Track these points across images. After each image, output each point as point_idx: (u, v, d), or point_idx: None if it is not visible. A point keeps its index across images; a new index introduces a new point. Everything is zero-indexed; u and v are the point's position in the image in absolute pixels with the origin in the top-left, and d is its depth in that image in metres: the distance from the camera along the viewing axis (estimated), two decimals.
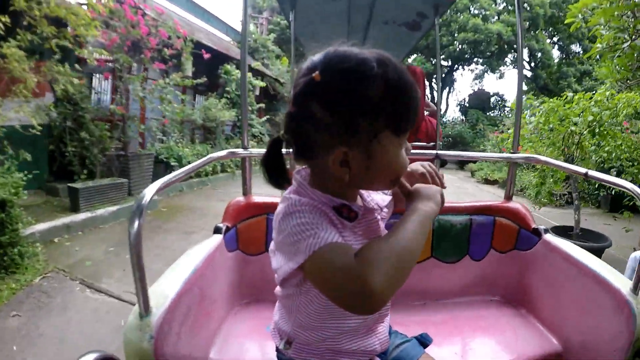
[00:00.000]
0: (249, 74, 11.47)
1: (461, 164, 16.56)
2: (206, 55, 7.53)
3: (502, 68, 22.68)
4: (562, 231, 4.53)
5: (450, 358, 1.48)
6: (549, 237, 1.76)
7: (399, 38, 4.57)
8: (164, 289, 1.19)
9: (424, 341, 1.23)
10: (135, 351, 1.05)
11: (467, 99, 24.59)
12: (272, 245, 0.94)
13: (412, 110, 0.85)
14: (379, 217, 1.02)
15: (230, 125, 11.73)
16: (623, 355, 1.25)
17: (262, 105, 12.78)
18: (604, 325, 1.36)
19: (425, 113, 3.96)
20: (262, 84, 12.04)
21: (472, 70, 24.40)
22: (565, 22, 4.04)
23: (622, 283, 1.33)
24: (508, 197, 2.08)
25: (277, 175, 0.91)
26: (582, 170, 1.64)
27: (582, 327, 1.47)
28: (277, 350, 1.08)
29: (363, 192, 1.02)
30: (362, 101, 0.80)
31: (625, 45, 3.20)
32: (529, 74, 22.04)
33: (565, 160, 4.33)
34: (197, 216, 5.95)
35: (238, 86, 10.90)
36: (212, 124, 10.07)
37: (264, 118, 12.57)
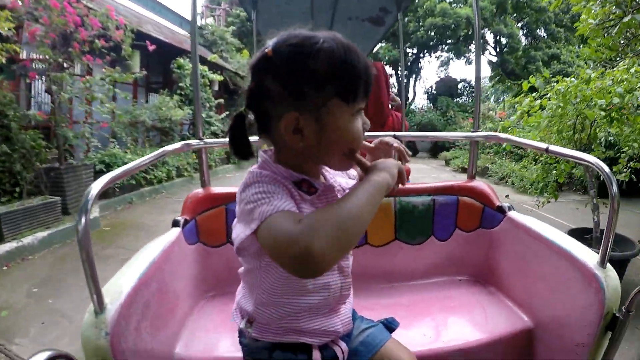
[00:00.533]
0: (205, 68, 11.11)
1: (433, 153, 16.46)
2: (151, 47, 7.02)
3: (469, 54, 22.90)
4: (579, 235, 3.75)
5: (419, 340, 1.52)
6: (514, 214, 1.82)
7: (363, 33, 4.71)
8: (119, 285, 1.20)
9: (390, 325, 1.27)
10: (92, 349, 1.07)
11: (434, 87, 24.57)
12: (235, 220, 0.97)
13: (362, 80, 0.91)
14: (339, 196, 1.05)
15: (188, 124, 11.33)
16: (594, 329, 1.30)
17: (221, 100, 12.45)
18: (573, 300, 1.40)
19: (391, 107, 4.00)
20: (220, 77, 11.68)
21: (437, 57, 24.68)
22: (543, 1, 3.97)
23: (589, 257, 1.38)
24: (471, 176, 2.14)
25: (241, 148, 0.99)
26: (543, 145, 1.69)
27: (552, 302, 1.53)
28: (239, 332, 1.12)
29: (326, 172, 1.09)
30: (309, 71, 0.88)
31: (625, 19, 3.14)
32: (494, 59, 22.36)
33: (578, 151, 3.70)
34: (145, 235, 5.03)
35: (190, 80, 10.49)
36: (165, 124, 9.47)
37: (224, 114, 12.21)
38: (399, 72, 21.74)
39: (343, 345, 1.13)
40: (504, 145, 10.26)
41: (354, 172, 1.21)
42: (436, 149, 16.20)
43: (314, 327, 1.05)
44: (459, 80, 24.61)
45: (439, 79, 24.80)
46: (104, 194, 5.95)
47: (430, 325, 1.62)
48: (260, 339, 1.06)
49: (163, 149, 1.71)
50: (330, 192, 1.03)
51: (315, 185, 0.99)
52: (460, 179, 2.14)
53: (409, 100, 23.11)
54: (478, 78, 2.23)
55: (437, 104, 21.62)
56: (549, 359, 1.52)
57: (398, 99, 4.16)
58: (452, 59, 24.05)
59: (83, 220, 1.05)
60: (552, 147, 1.64)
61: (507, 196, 7.95)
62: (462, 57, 23.30)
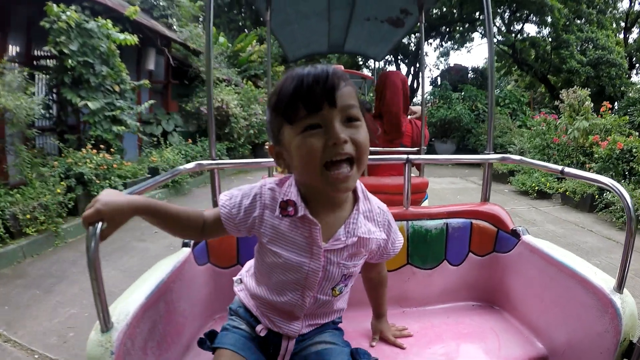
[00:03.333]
0: (108, 22, 6.71)
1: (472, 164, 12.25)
2: None
3: (470, 44, 21.55)
4: None
5: None
6: (528, 238, 1.78)
7: (381, 35, 4.63)
8: (127, 304, 1.20)
9: (355, 356, 1.32)
10: None
11: (439, 76, 21.15)
12: None
13: (300, 97, 1.03)
14: (317, 230, 1.16)
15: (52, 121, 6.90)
16: (610, 356, 1.26)
17: (146, 83, 8.00)
18: (589, 326, 1.37)
19: (410, 117, 3.77)
20: (132, 40, 7.07)
21: (436, 48, 23.19)
22: None
23: (605, 282, 1.35)
24: (484, 199, 2.12)
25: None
26: (558, 167, 1.67)
27: (567, 328, 1.49)
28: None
29: (357, 219, 1.21)
30: (270, 107, 1.13)
31: None
32: (502, 47, 19.97)
33: None
34: None
35: (82, 44, 6.23)
36: None
37: (148, 103, 8.19)
38: (415, 60, 19.76)
39: (291, 343, 1.31)
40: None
41: (382, 217, 1.31)
42: (463, 154, 13.21)
43: (266, 313, 1.30)
44: (470, 68, 20.79)
45: (447, 67, 21.88)
46: None
47: (442, 352, 1.58)
48: (239, 297, 1.39)
49: (176, 168, 1.73)
50: (311, 225, 1.15)
51: (297, 208, 1.15)
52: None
53: (415, 92, 19.89)
54: (492, 93, 2.20)
55: (466, 93, 16.63)
56: None
57: (417, 109, 3.76)
58: (453, 48, 22.51)
59: (93, 241, 1.05)
60: (568, 169, 1.62)
61: None
62: (464, 47, 21.89)
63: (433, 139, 15.41)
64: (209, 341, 1.31)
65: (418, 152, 3.16)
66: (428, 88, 20.95)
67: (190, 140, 10.06)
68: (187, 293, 1.57)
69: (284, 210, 1.15)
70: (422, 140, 3.20)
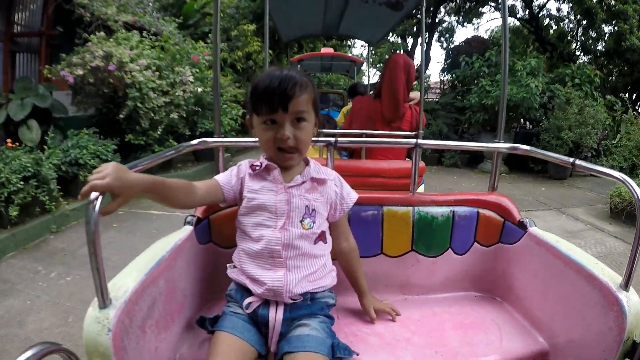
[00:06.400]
0: None
1: (558, 170, 9.00)
2: None
3: (478, 20, 19.78)
4: None
5: (430, 357, 1.48)
6: (535, 230, 1.75)
7: (378, 17, 4.53)
8: (126, 281, 1.18)
9: (336, 348, 1.36)
10: (93, 344, 1.05)
11: (450, 50, 17.08)
12: None
13: (267, 97, 1.36)
14: (276, 171, 1.49)
15: None
16: (612, 354, 1.25)
17: None
18: (593, 323, 1.35)
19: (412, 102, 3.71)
20: None
21: (439, 23, 20.52)
22: None
23: (612, 278, 1.33)
24: (492, 189, 2.08)
25: None
26: (569, 159, 1.64)
27: (570, 324, 1.47)
28: None
29: (309, 170, 1.53)
30: (249, 93, 1.44)
31: None
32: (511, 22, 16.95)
33: None
34: None
35: None
36: None
37: None
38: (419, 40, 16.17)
39: (279, 313, 1.39)
40: None
41: (332, 174, 1.62)
42: (562, 171, 8.88)
43: (252, 274, 1.42)
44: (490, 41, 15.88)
45: (465, 39, 17.36)
46: None
47: (442, 342, 1.57)
48: (232, 277, 1.51)
49: (180, 145, 1.72)
50: (272, 169, 1.49)
51: (262, 166, 1.50)
52: None
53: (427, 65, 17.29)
54: (505, 72, 2.15)
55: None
56: None
57: (415, 94, 3.64)
58: (460, 23, 20.40)
59: (93, 214, 1.02)
60: (579, 162, 1.58)
61: None
62: (472, 22, 19.89)
63: (465, 129, 11.15)
64: (210, 325, 1.43)
65: (416, 137, 3.12)
66: (436, 68, 19.08)
67: (14, 143, 4.97)
68: (187, 272, 1.55)
69: (253, 168, 1.52)
70: (421, 124, 3.19)
